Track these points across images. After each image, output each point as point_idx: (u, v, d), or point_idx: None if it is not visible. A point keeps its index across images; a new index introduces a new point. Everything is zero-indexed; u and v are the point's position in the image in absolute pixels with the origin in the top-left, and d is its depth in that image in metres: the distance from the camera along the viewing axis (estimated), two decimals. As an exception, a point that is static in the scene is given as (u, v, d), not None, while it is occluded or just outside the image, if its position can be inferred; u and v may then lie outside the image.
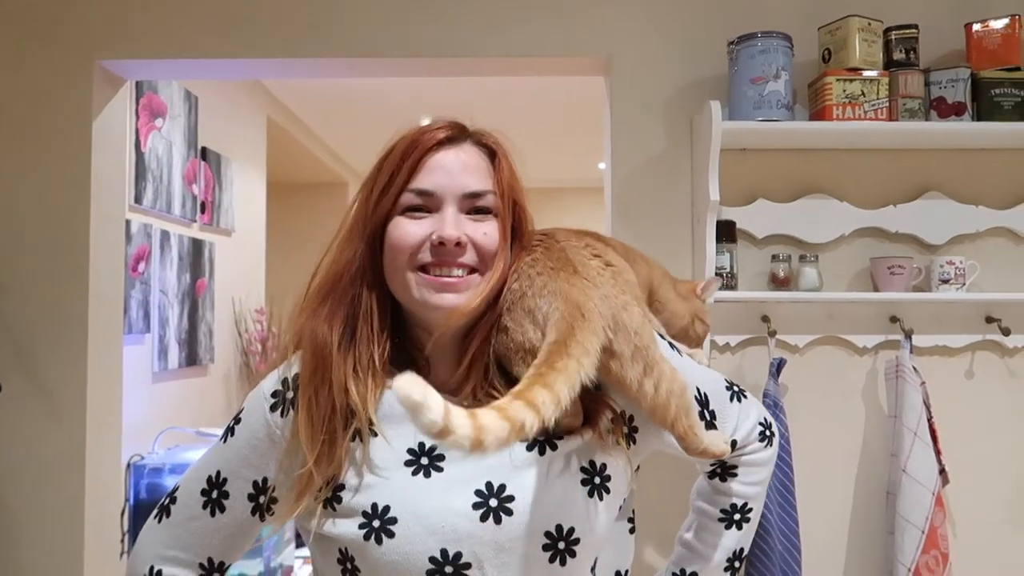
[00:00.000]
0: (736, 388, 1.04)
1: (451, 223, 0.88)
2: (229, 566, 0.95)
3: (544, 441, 0.88)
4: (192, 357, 2.87)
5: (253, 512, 0.92)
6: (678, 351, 0.98)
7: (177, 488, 0.97)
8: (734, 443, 1.02)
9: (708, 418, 0.98)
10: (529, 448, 0.88)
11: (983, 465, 1.79)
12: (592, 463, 0.89)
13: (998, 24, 1.70)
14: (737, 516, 1.05)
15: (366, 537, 0.84)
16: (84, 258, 1.84)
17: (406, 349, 0.93)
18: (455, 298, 0.87)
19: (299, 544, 2.56)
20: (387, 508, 0.85)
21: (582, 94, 3.59)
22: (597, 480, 0.89)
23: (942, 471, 1.68)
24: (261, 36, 1.83)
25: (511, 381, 0.87)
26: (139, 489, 2.30)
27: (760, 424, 1.05)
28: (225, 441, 0.94)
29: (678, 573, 1.06)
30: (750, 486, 1.05)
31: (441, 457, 0.87)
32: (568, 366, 0.79)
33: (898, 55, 1.70)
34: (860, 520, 1.79)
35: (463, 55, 1.82)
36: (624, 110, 1.82)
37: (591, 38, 1.82)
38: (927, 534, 1.62)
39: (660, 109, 1.82)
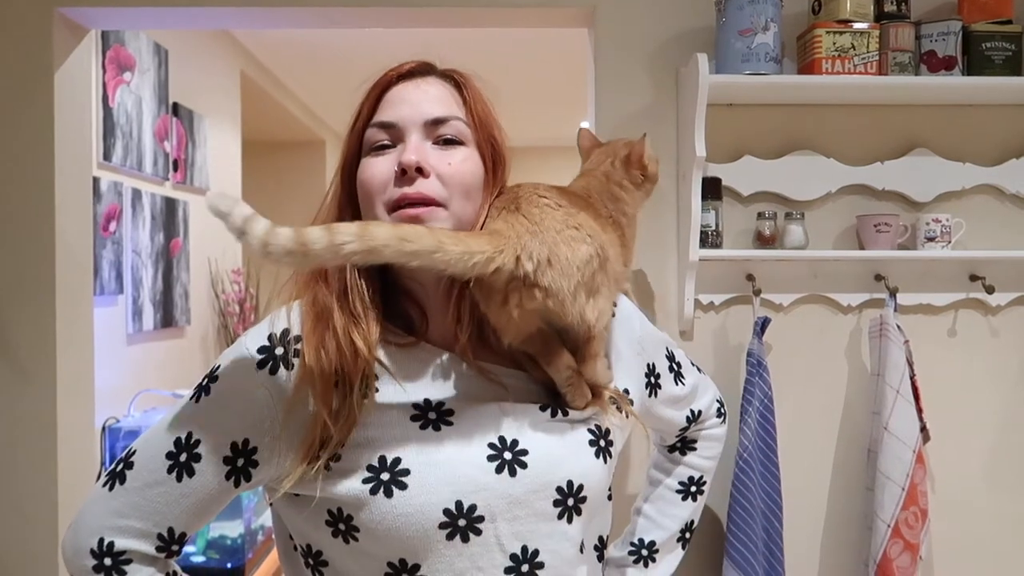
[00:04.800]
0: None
1: (411, 148, 0.85)
2: (188, 539, 0.88)
3: (556, 407, 0.89)
4: (168, 318, 2.82)
5: (228, 476, 0.85)
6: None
7: (133, 453, 0.88)
8: (698, 413, 1.13)
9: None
10: (542, 410, 0.88)
11: (964, 423, 1.80)
12: (598, 427, 0.90)
13: (991, -25, 1.66)
14: (693, 488, 1.15)
15: (373, 491, 0.80)
16: (50, 217, 1.77)
17: (402, 308, 0.90)
18: None
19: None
20: (397, 460, 0.81)
21: (566, 49, 3.52)
22: (603, 443, 0.89)
23: (923, 429, 1.68)
24: (230, -17, 1.75)
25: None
26: (115, 452, 2.26)
27: (717, 401, 1.17)
28: (198, 400, 0.86)
29: (636, 543, 1.13)
30: (707, 460, 1.16)
31: (450, 412, 0.85)
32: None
33: (889, 7, 1.65)
34: (841, 477, 1.79)
35: (440, 4, 1.75)
36: (608, 63, 1.77)
37: (575, -13, 1.76)
38: (907, 491, 1.63)
39: (645, 62, 1.77)
